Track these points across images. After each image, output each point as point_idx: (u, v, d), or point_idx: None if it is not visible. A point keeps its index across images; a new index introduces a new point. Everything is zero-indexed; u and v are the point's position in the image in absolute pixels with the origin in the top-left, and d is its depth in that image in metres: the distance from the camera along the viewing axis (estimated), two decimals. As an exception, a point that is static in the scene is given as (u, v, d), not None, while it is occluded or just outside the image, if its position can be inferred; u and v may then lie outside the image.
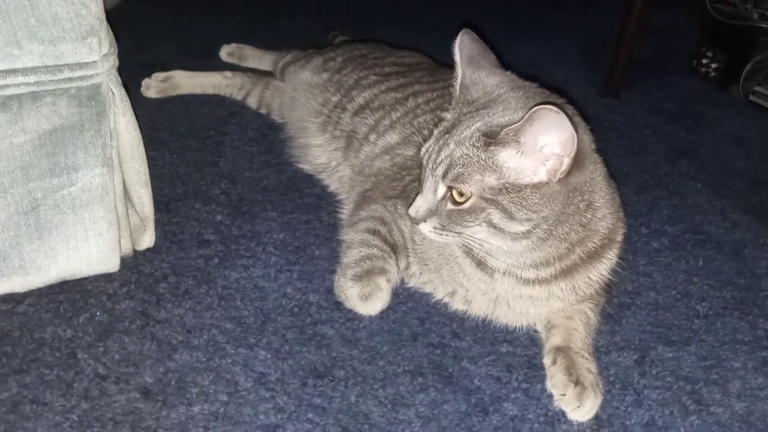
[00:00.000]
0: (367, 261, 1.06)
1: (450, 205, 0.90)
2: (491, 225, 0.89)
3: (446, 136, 0.91)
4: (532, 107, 0.81)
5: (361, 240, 1.09)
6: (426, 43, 1.68)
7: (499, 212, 0.87)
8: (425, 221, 0.93)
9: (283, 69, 1.55)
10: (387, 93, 1.30)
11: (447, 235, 0.92)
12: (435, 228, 0.92)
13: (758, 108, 1.86)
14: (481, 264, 0.99)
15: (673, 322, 1.13)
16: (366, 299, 1.05)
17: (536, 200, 0.86)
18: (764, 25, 1.85)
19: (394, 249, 1.09)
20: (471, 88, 0.95)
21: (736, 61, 1.91)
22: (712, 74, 1.97)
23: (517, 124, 0.83)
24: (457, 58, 0.97)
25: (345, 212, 1.24)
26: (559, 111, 0.81)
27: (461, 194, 0.88)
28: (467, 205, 0.88)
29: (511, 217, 0.87)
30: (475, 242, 0.92)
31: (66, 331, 0.99)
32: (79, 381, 0.92)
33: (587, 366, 0.98)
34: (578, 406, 0.93)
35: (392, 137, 1.21)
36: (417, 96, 1.27)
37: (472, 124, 0.89)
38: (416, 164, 1.16)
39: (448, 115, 0.95)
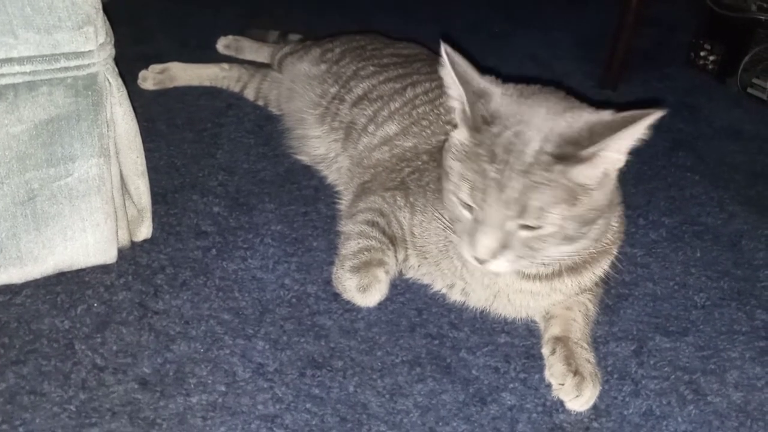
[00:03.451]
0: (365, 252, 1.06)
1: (524, 233, 0.83)
2: (565, 237, 0.84)
3: (496, 167, 0.81)
4: (622, 118, 0.80)
5: (359, 231, 1.09)
6: (424, 34, 1.68)
7: (575, 223, 0.83)
8: (496, 258, 0.85)
9: (281, 60, 1.54)
10: (385, 83, 1.30)
11: (521, 262, 0.86)
12: (509, 261, 0.85)
13: (756, 100, 1.86)
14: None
15: (671, 313, 1.13)
16: (364, 291, 1.04)
17: (602, 199, 0.84)
18: (762, 17, 1.85)
19: (393, 241, 1.09)
20: (485, 106, 0.86)
21: (734, 53, 1.90)
22: (710, 66, 1.97)
23: (601, 143, 0.79)
24: (453, 76, 0.87)
25: (344, 204, 1.24)
26: (651, 114, 0.79)
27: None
28: (549, 229, 0.81)
29: (584, 223, 0.84)
30: (545, 259, 0.87)
31: (63, 322, 0.98)
32: (76, 372, 0.92)
33: (586, 356, 0.98)
34: (577, 396, 0.93)
35: (391, 128, 1.21)
36: (415, 86, 1.26)
37: (528, 147, 0.80)
38: (415, 155, 1.16)
39: (477, 142, 0.84)
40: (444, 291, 1.08)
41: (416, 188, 1.08)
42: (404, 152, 1.17)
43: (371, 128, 1.24)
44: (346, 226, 1.12)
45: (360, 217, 1.11)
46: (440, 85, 1.23)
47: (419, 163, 1.13)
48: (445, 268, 1.05)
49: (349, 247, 1.08)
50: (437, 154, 1.10)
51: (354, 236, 1.09)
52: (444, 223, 0.96)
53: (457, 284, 1.05)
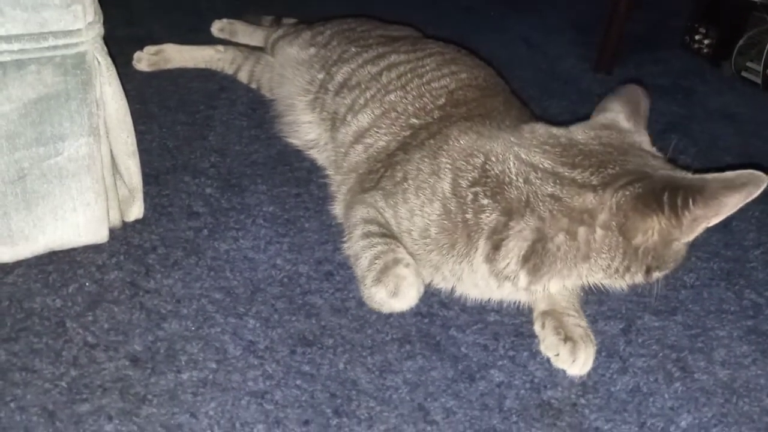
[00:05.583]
0: (377, 261, 1.01)
1: None
2: None
3: None
4: None
5: (362, 246, 1.04)
6: (418, 18, 1.68)
7: None
8: None
9: (273, 44, 1.53)
10: (363, 67, 1.27)
11: None
12: None
13: (750, 84, 1.86)
14: (498, 274, 0.96)
15: (660, 293, 1.13)
16: (396, 294, 0.98)
17: None
18: (757, 0, 1.85)
19: (396, 237, 1.05)
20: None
21: (728, 36, 1.90)
22: (705, 50, 1.97)
23: None
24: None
25: (337, 210, 1.19)
26: None
27: None
28: None
29: None
30: None
31: (55, 300, 0.99)
32: (68, 349, 0.92)
33: (575, 321, 0.99)
34: (573, 361, 0.95)
35: (364, 120, 1.18)
36: (390, 70, 1.23)
37: None
38: (387, 156, 1.12)
39: None
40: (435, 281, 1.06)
41: (392, 187, 1.05)
42: (378, 153, 1.14)
43: (349, 118, 1.21)
44: (350, 249, 1.07)
45: (355, 233, 1.07)
46: (415, 68, 1.22)
47: (394, 159, 1.10)
48: (447, 273, 1.01)
49: (361, 265, 1.03)
50: (411, 147, 1.08)
51: (360, 253, 1.04)
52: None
53: (449, 278, 1.03)
